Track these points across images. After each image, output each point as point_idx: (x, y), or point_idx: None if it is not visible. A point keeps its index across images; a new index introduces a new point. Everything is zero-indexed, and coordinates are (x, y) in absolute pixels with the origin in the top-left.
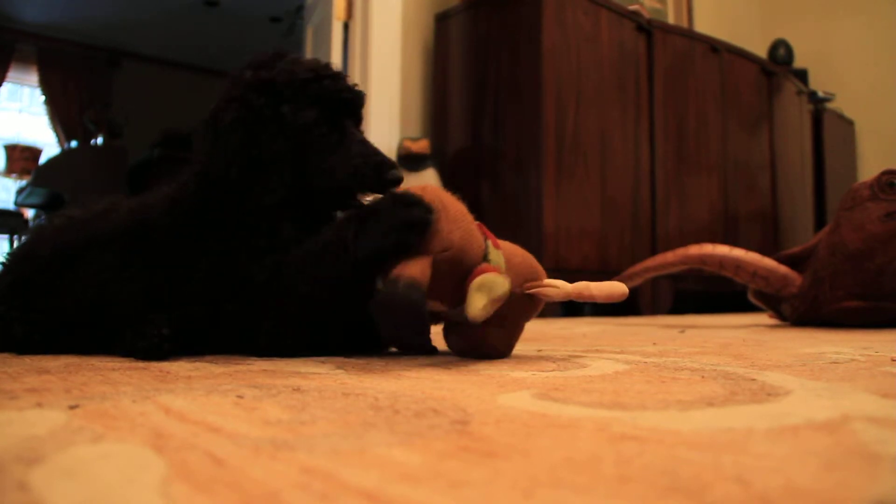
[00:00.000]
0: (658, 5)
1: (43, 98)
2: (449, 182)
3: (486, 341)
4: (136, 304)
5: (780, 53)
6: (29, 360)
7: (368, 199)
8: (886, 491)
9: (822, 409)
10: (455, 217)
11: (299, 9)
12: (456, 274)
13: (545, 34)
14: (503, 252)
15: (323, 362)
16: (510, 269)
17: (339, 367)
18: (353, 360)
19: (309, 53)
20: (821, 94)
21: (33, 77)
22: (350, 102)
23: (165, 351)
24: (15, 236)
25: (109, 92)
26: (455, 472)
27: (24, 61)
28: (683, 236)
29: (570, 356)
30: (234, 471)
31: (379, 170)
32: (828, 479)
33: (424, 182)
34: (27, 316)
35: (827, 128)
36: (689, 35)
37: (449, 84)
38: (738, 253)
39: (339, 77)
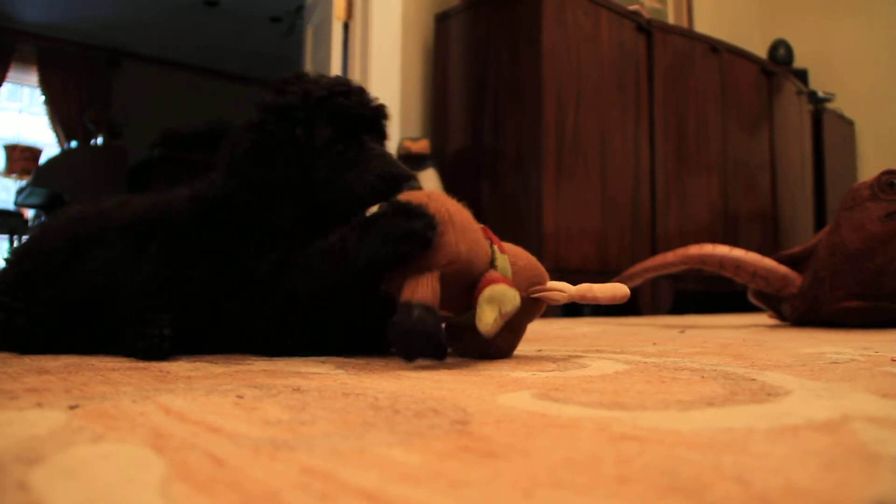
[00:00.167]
0: (658, 5)
1: (43, 98)
2: (449, 182)
3: (492, 343)
4: (146, 290)
5: (780, 53)
6: (29, 360)
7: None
8: (886, 491)
9: (822, 409)
10: (461, 227)
11: (299, 9)
12: (463, 283)
13: (545, 34)
14: (508, 255)
15: (323, 362)
16: (515, 272)
17: (339, 367)
18: (353, 360)
19: (309, 53)
20: (821, 94)
21: (33, 77)
22: (367, 118)
23: (165, 351)
24: (15, 236)
25: (109, 92)
26: (455, 472)
27: (24, 61)
28: (683, 236)
29: (570, 356)
30: (234, 471)
31: (394, 184)
32: (828, 479)
33: (424, 182)
34: (32, 307)
35: (827, 128)
36: (689, 35)
37: (449, 84)
38: (738, 253)
39: (355, 93)
